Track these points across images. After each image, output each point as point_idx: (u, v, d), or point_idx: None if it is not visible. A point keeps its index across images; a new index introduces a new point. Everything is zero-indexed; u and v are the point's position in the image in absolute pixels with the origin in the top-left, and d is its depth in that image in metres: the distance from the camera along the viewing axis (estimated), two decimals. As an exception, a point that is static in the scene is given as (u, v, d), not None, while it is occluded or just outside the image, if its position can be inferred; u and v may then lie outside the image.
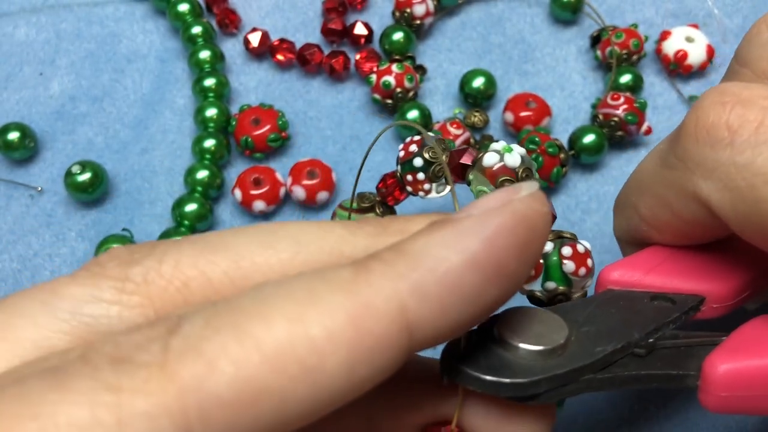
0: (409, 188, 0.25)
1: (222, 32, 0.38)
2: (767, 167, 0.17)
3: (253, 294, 0.14)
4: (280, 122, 0.34)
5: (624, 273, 0.21)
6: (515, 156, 0.22)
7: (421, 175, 0.24)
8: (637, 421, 0.28)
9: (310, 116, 0.35)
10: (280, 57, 0.36)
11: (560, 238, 0.23)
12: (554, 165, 0.31)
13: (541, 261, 0.23)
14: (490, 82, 0.35)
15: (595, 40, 0.36)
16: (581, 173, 0.34)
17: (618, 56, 0.35)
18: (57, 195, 0.34)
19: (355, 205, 0.27)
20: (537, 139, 0.31)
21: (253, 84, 0.36)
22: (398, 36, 0.36)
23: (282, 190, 0.33)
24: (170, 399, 0.13)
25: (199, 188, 0.32)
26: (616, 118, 0.33)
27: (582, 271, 0.22)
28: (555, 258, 0.22)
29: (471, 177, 0.23)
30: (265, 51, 0.37)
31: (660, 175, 0.21)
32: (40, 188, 0.34)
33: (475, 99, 0.35)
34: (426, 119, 0.34)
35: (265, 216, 0.33)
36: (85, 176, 0.32)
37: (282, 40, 0.36)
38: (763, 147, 0.17)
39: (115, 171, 0.34)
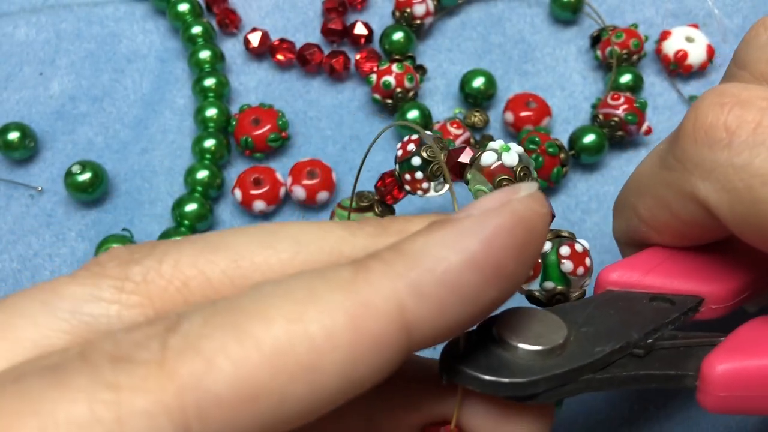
0: (407, 187, 0.25)
1: (222, 32, 0.38)
2: (765, 168, 0.17)
3: (253, 293, 0.14)
4: (280, 122, 0.34)
5: (623, 274, 0.21)
6: (513, 155, 0.22)
7: (419, 174, 0.24)
8: (637, 421, 0.28)
9: (310, 116, 0.35)
10: (280, 57, 0.36)
11: (558, 238, 0.23)
12: (554, 165, 0.31)
13: (540, 260, 0.23)
14: (490, 82, 0.35)
15: (595, 40, 0.36)
16: (581, 173, 0.34)
17: (618, 56, 0.35)
18: (57, 195, 0.34)
19: (354, 204, 0.27)
20: (537, 139, 0.31)
21: (253, 84, 0.36)
22: (398, 36, 0.36)
23: (282, 190, 0.33)
24: (169, 397, 0.13)
25: (199, 188, 0.32)
26: (616, 118, 0.33)
27: (580, 270, 0.22)
28: (553, 257, 0.22)
29: (469, 176, 0.23)
30: (265, 51, 0.37)
31: (659, 176, 0.21)
32: (40, 188, 0.34)
33: (475, 99, 0.35)
34: (426, 119, 0.34)
35: (265, 216, 0.33)
36: (85, 176, 0.32)
37: (282, 40, 0.36)
38: (761, 148, 0.17)
39: (115, 171, 0.34)
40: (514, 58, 0.37)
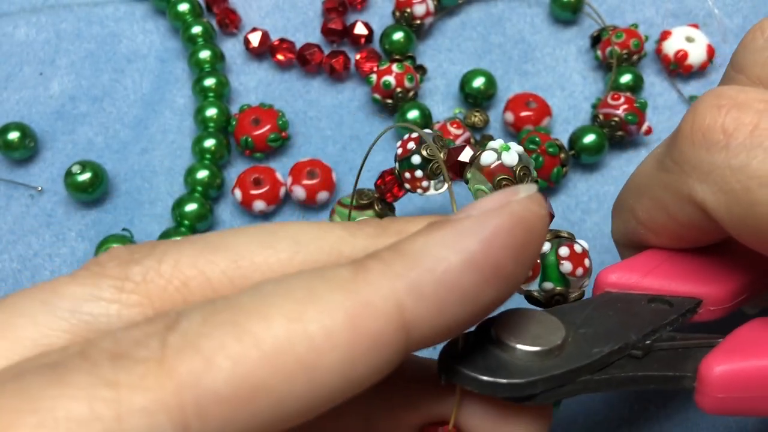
0: (407, 185, 0.25)
1: (222, 32, 0.38)
2: (762, 170, 0.17)
3: (252, 292, 0.14)
4: (280, 122, 0.34)
5: (622, 275, 0.21)
6: (513, 154, 0.22)
7: (419, 173, 0.24)
8: (637, 421, 0.28)
9: (310, 116, 0.35)
10: (280, 57, 0.36)
11: (558, 238, 0.23)
12: (554, 165, 0.31)
13: (539, 261, 0.23)
14: (490, 82, 0.35)
15: (596, 40, 0.36)
16: (581, 173, 0.34)
17: (618, 56, 0.35)
18: (57, 195, 0.34)
19: (354, 202, 0.27)
20: (537, 139, 0.31)
21: (253, 84, 0.36)
22: (398, 36, 0.36)
23: (282, 190, 0.33)
24: (168, 395, 0.13)
25: (199, 188, 0.32)
26: (616, 118, 0.33)
27: (579, 271, 0.22)
28: (552, 258, 0.22)
29: (469, 175, 0.23)
30: (265, 51, 0.37)
31: (657, 178, 0.21)
32: (40, 188, 0.34)
33: (475, 99, 0.35)
34: (426, 119, 0.34)
35: (265, 216, 0.33)
36: (85, 176, 0.32)
37: (282, 40, 0.36)
38: (758, 150, 0.17)
39: (115, 171, 0.34)
40: (514, 58, 0.37)
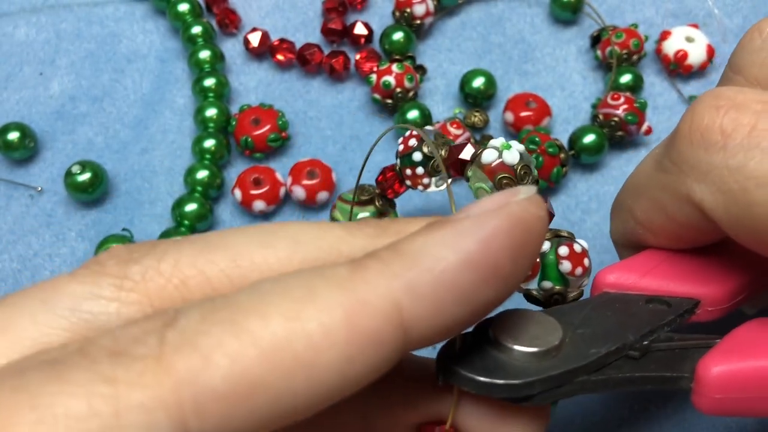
0: (408, 182, 0.25)
1: (222, 32, 0.38)
2: (759, 171, 0.17)
3: (250, 291, 0.15)
4: (280, 122, 0.34)
5: (620, 276, 0.21)
6: (514, 153, 0.22)
7: (420, 170, 0.24)
8: (637, 421, 0.28)
9: (310, 116, 0.35)
10: (280, 57, 0.36)
11: (557, 237, 0.23)
12: (554, 165, 0.31)
13: (538, 260, 0.23)
14: (490, 82, 0.35)
15: (595, 40, 0.36)
16: (581, 173, 0.34)
17: (618, 56, 0.35)
18: (57, 195, 0.34)
19: (355, 198, 0.27)
20: (537, 139, 0.31)
21: (253, 84, 0.36)
22: (398, 36, 0.36)
23: (282, 190, 0.33)
24: (166, 391, 0.13)
25: (199, 188, 0.32)
26: (616, 118, 0.33)
27: (578, 270, 0.22)
28: (552, 257, 0.22)
29: (470, 173, 0.23)
30: (265, 51, 0.37)
31: (655, 178, 0.21)
32: (40, 188, 0.34)
33: (475, 99, 0.35)
34: (426, 119, 0.34)
35: (265, 216, 0.33)
36: (85, 176, 0.32)
37: (282, 40, 0.36)
38: (755, 151, 0.18)
39: (115, 171, 0.34)
40: (514, 58, 0.37)
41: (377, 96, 0.34)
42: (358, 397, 0.15)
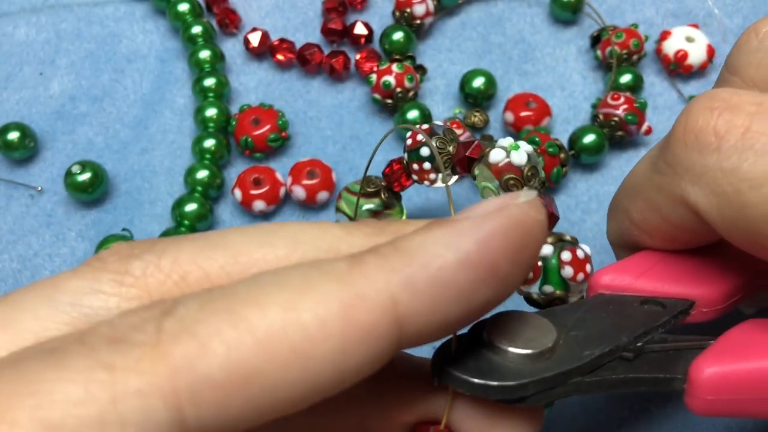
0: (414, 177, 0.25)
1: (222, 32, 0.38)
2: (753, 173, 0.17)
3: (249, 282, 0.15)
4: (280, 122, 0.34)
5: (615, 277, 0.21)
6: (522, 154, 0.22)
7: (427, 165, 0.24)
8: (637, 421, 0.28)
9: (310, 116, 0.36)
10: (280, 57, 0.36)
11: (561, 242, 0.23)
12: (554, 165, 0.31)
13: (540, 264, 0.23)
14: (490, 82, 0.35)
15: (595, 40, 0.36)
16: (581, 173, 0.34)
17: (618, 56, 0.35)
18: (57, 195, 0.34)
19: (360, 189, 0.27)
20: (537, 139, 0.31)
21: (253, 84, 0.37)
22: (398, 36, 0.36)
23: (282, 190, 0.33)
24: (162, 378, 0.13)
25: (199, 188, 0.32)
26: (616, 118, 0.33)
27: (580, 276, 0.22)
28: (554, 262, 0.22)
29: (476, 171, 0.23)
30: (265, 51, 0.37)
31: (650, 179, 0.21)
32: (40, 188, 0.34)
33: (475, 99, 0.35)
34: (426, 119, 0.34)
35: (265, 216, 0.33)
36: (85, 176, 0.32)
37: (282, 40, 0.36)
38: (749, 153, 0.18)
39: (115, 171, 0.34)
40: (514, 58, 0.37)
41: (377, 96, 0.34)
42: (354, 395, 0.15)
